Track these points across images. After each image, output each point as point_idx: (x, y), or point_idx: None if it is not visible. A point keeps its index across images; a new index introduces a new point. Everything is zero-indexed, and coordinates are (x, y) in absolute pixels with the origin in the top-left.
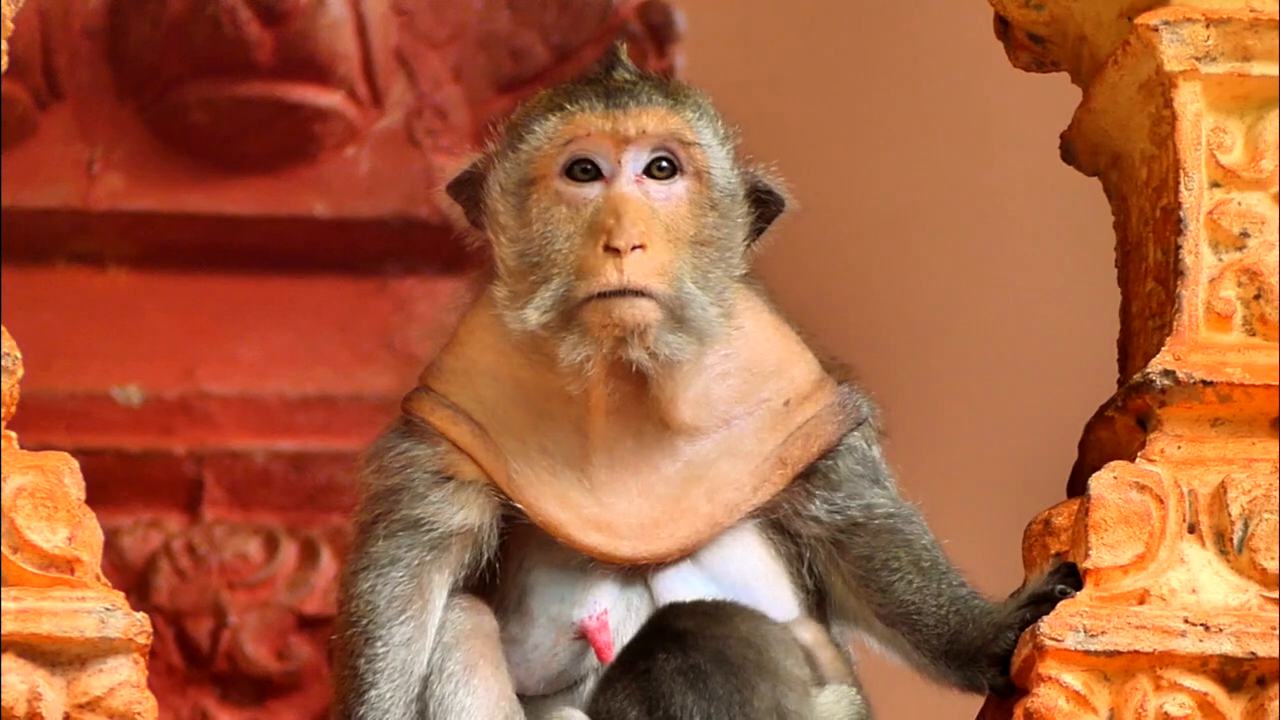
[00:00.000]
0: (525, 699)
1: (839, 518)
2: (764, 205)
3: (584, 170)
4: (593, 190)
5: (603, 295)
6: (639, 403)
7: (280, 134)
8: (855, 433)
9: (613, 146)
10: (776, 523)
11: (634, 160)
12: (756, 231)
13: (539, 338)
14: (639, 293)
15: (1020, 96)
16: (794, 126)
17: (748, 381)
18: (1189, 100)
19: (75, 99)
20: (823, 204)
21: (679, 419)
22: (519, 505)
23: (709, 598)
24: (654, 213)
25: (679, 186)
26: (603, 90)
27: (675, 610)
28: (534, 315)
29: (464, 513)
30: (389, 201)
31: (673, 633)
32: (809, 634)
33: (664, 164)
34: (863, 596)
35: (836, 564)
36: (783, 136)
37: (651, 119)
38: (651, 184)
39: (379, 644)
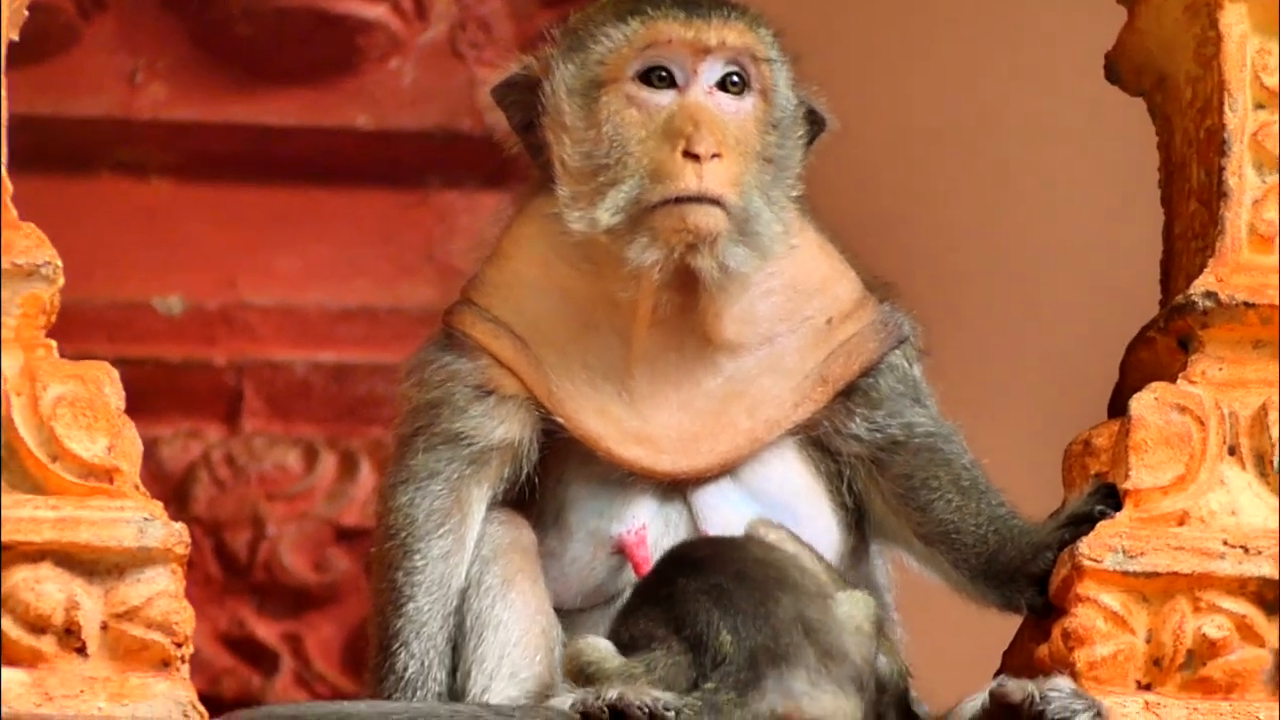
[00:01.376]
0: (563, 613)
1: (879, 436)
2: (810, 126)
3: (659, 77)
4: (666, 97)
5: (678, 200)
6: (685, 317)
7: (323, 45)
8: (896, 351)
9: (691, 55)
10: (817, 440)
11: (709, 71)
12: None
13: (594, 244)
14: (714, 201)
15: (1065, 16)
16: (836, 44)
17: (792, 299)
18: (1234, 21)
19: (118, 9)
20: (865, 123)
21: (723, 335)
22: (559, 419)
23: (721, 534)
24: (726, 125)
25: (748, 102)
26: (680, 0)
27: (687, 544)
28: (604, 216)
29: (504, 427)
30: (431, 114)
31: (690, 560)
32: (768, 530)
33: (735, 78)
34: (902, 515)
35: (876, 482)
36: (826, 55)
37: (731, 32)
38: (722, 97)
39: (417, 557)
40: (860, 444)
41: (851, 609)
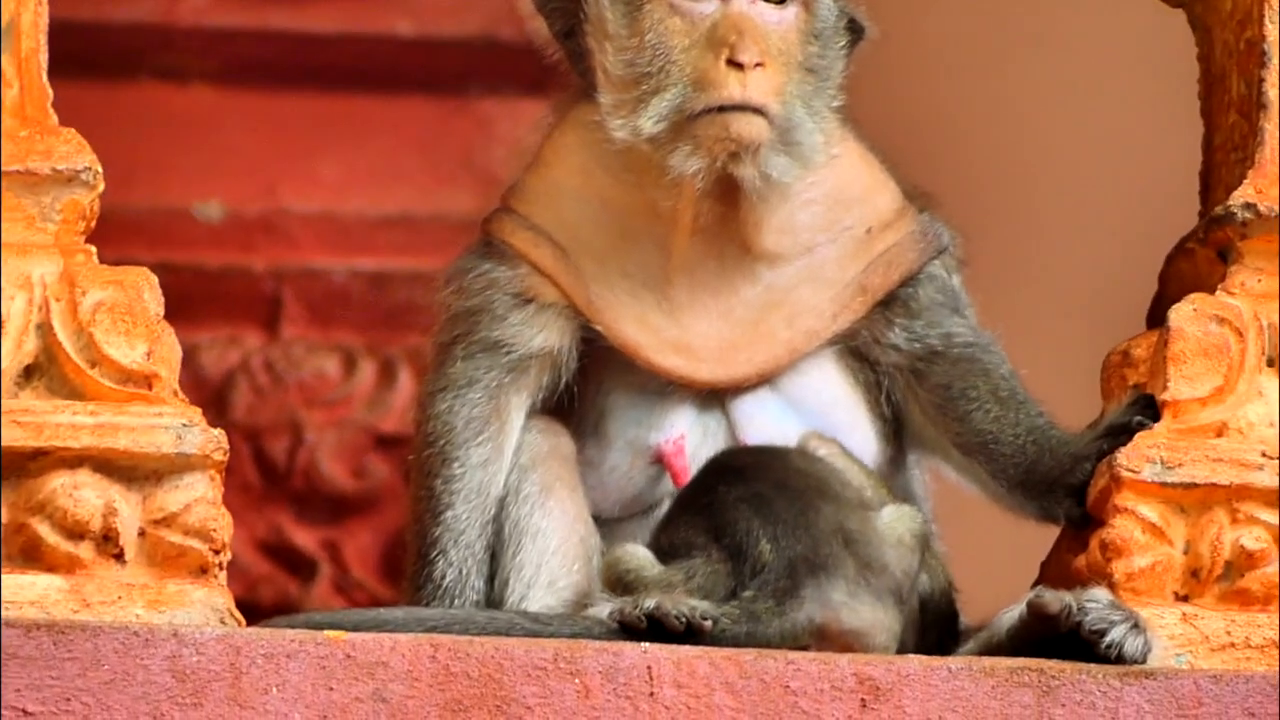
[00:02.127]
0: (600, 521)
1: (918, 346)
2: (850, 36)
3: None
4: (709, 6)
5: (721, 109)
6: (725, 226)
7: None
8: (935, 261)
9: None
10: (855, 350)
11: None
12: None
13: (635, 152)
14: (757, 110)
15: None
16: None
17: (831, 209)
18: None
19: None
20: (905, 33)
21: (763, 244)
22: (598, 327)
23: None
24: (769, 34)
25: (789, 12)
26: None
27: (729, 453)
28: (647, 124)
29: (543, 335)
30: (472, 21)
31: (731, 469)
32: (820, 444)
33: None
34: (940, 425)
35: (915, 392)
36: None
37: None
38: (764, 6)
39: (456, 465)
40: (899, 353)
41: (893, 521)
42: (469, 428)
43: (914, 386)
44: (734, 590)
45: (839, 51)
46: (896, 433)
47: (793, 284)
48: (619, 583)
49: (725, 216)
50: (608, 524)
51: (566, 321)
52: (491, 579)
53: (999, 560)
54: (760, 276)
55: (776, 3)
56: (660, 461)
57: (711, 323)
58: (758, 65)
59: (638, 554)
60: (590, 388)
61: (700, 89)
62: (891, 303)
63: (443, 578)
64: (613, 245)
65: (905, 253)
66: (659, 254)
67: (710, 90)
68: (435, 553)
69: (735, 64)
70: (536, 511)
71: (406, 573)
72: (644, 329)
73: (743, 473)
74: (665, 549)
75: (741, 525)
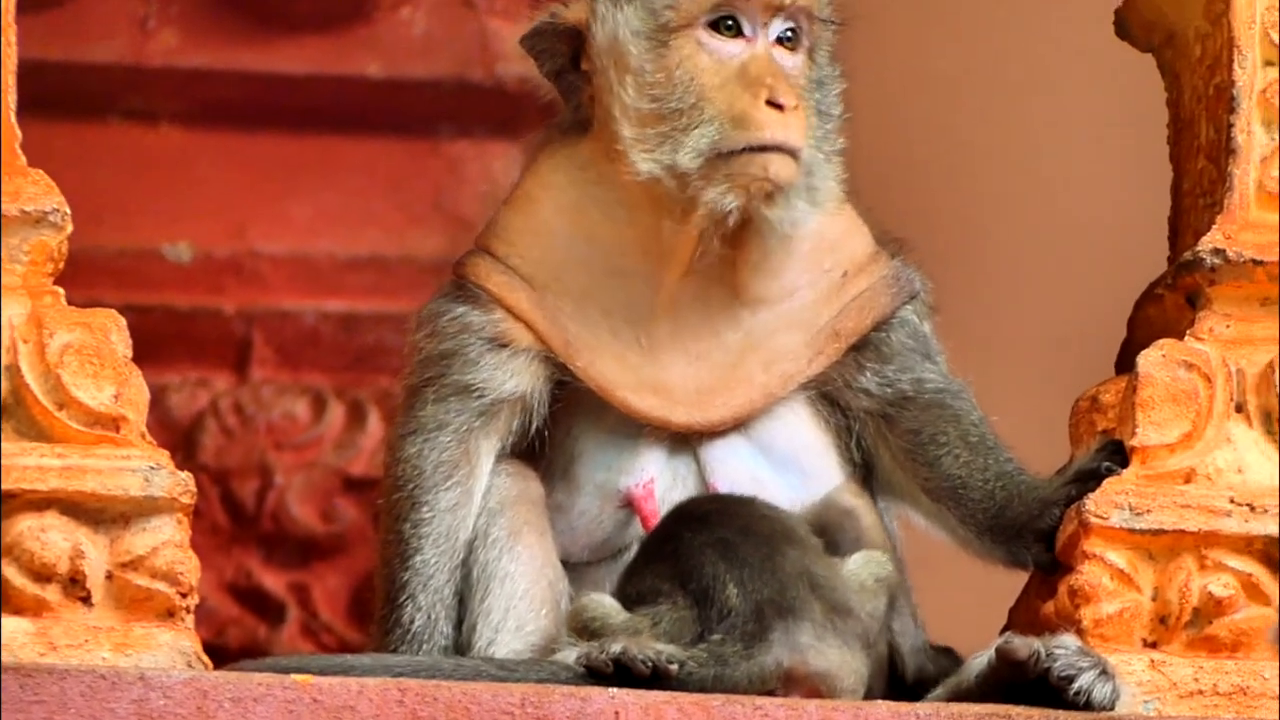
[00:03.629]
0: (570, 566)
1: (889, 391)
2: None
3: (727, 26)
4: (736, 47)
5: (762, 148)
6: (719, 268)
7: None
8: (908, 306)
9: (761, 10)
10: (827, 395)
11: (775, 26)
12: None
13: (639, 188)
14: (792, 152)
15: None
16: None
17: (814, 253)
18: None
19: None
20: (875, 76)
21: (752, 288)
22: (574, 367)
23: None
24: (792, 78)
25: (799, 58)
26: None
27: (693, 500)
28: (685, 158)
29: (516, 380)
30: (443, 63)
31: (695, 515)
32: (850, 498)
33: (790, 34)
34: (910, 470)
35: (885, 437)
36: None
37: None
38: (781, 51)
39: (424, 509)
40: (870, 398)
41: (860, 567)
42: (438, 471)
43: (884, 432)
44: (701, 635)
45: (837, 98)
46: (866, 478)
47: (772, 328)
48: (585, 630)
49: (722, 258)
50: (577, 568)
51: (540, 366)
52: (459, 623)
53: (967, 606)
54: (742, 320)
55: (789, 49)
56: (630, 505)
57: (690, 364)
58: (795, 107)
59: (603, 602)
60: (561, 432)
61: (740, 127)
62: (863, 347)
63: (411, 622)
64: (596, 283)
65: (878, 297)
66: (646, 292)
67: (751, 130)
68: (404, 597)
69: (775, 105)
70: (505, 556)
71: (375, 617)
72: (622, 368)
73: (707, 519)
74: (631, 597)
75: (708, 570)
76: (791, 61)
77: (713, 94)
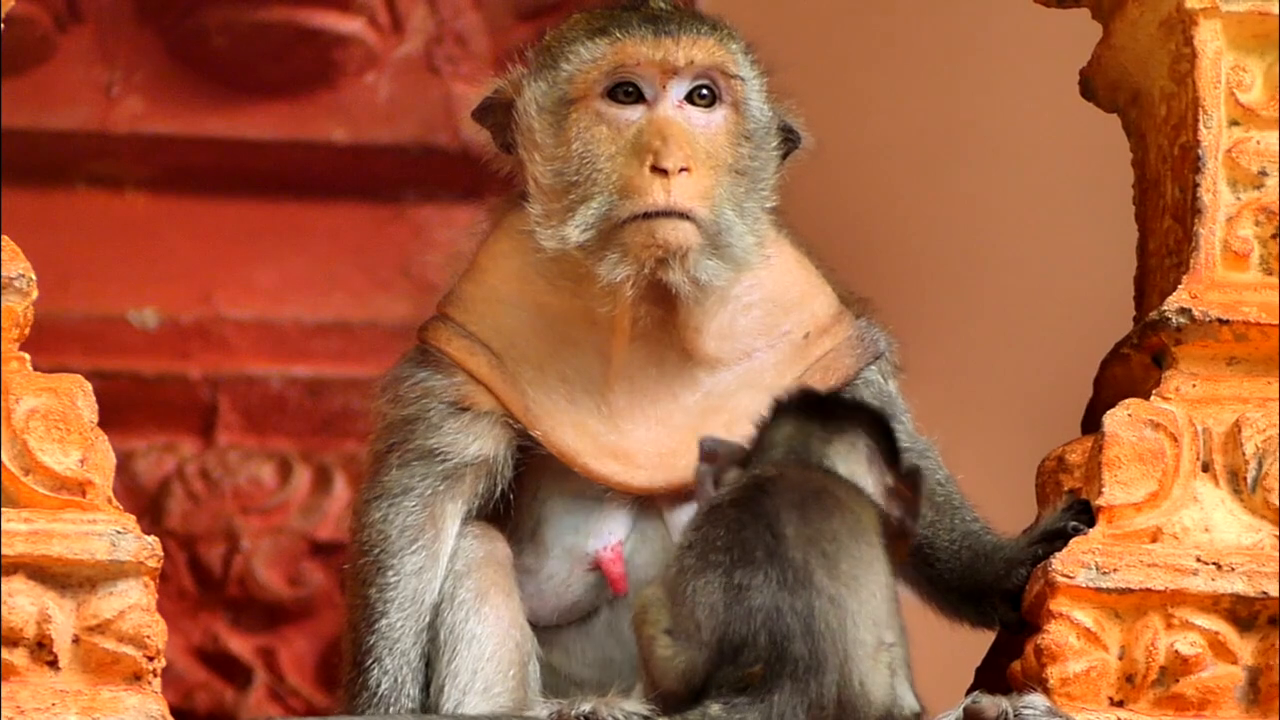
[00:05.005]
0: (540, 628)
1: None
2: (785, 141)
3: (626, 92)
4: (635, 113)
5: (647, 215)
6: (664, 331)
7: (300, 59)
8: (872, 366)
9: (659, 74)
10: None
11: (677, 87)
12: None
13: (569, 259)
14: (683, 215)
15: (1041, 32)
16: (813, 59)
17: (770, 314)
18: (1209, 38)
19: (95, 21)
20: (841, 137)
21: (702, 350)
22: (535, 434)
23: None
24: (695, 138)
25: (718, 115)
26: (646, 17)
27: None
28: (574, 233)
29: (479, 443)
30: (408, 128)
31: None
32: None
33: (704, 92)
34: None
35: None
36: (801, 68)
37: (699, 50)
38: (692, 110)
39: (390, 573)
40: None
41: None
42: (403, 536)
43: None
44: (707, 679)
45: (771, 153)
46: None
47: (731, 390)
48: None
49: (664, 321)
50: (547, 630)
51: (502, 429)
52: (427, 686)
53: (935, 666)
54: (700, 383)
55: (704, 106)
56: (598, 569)
57: (650, 429)
58: (683, 170)
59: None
60: (527, 495)
61: (626, 196)
62: None
63: (378, 685)
64: (551, 351)
65: (841, 359)
66: (598, 360)
67: (636, 197)
68: (370, 661)
69: (659, 170)
70: (472, 618)
71: (342, 681)
72: (582, 435)
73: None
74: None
75: (752, 643)
76: (706, 119)
77: (605, 164)
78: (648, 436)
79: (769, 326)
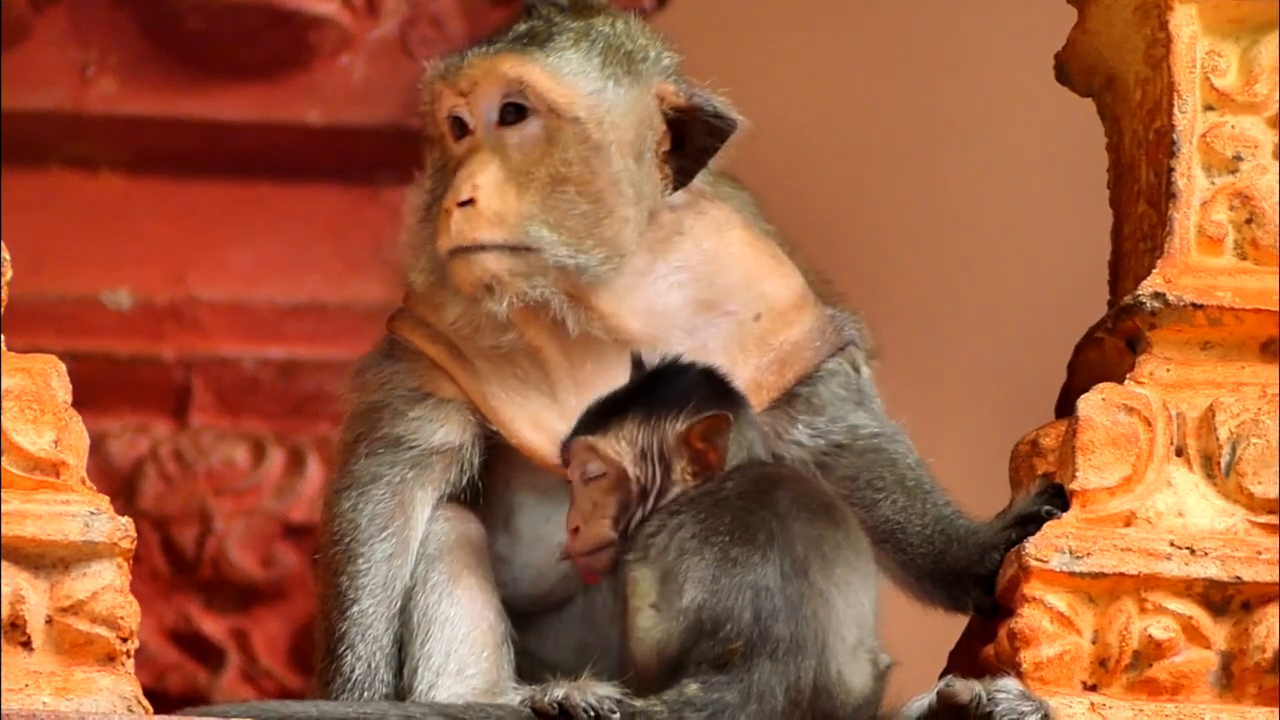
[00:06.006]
0: (516, 614)
1: (822, 441)
2: (710, 127)
3: (460, 127)
4: (463, 146)
5: (451, 254)
6: (589, 320)
7: (275, 41)
8: (838, 356)
9: (465, 104)
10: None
11: (487, 111)
12: (702, 152)
13: None
14: (474, 248)
15: (1016, 18)
16: (787, 48)
17: (708, 291)
18: (1184, 23)
19: (70, 3)
20: (813, 124)
21: (630, 330)
22: (495, 427)
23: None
24: (503, 160)
25: (532, 128)
26: (452, 52)
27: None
28: (419, 278)
29: (444, 430)
30: (382, 110)
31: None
32: None
33: (512, 109)
34: None
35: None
36: (775, 57)
37: (479, 70)
38: (506, 130)
39: (361, 560)
40: (803, 449)
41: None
42: (373, 524)
43: (821, 479)
44: (682, 655)
45: (628, 150)
46: None
47: None
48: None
49: (581, 310)
50: (522, 615)
51: (466, 417)
52: (400, 668)
53: (908, 650)
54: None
55: (514, 123)
56: (569, 559)
57: None
58: (468, 202)
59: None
60: (499, 484)
61: (440, 237)
62: (793, 399)
63: (351, 671)
64: (502, 354)
65: (801, 351)
66: (535, 366)
67: (443, 237)
68: (343, 647)
69: (446, 210)
70: (445, 600)
71: (315, 668)
72: (538, 429)
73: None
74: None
75: (736, 617)
76: (519, 136)
77: (436, 205)
78: None
79: (707, 304)
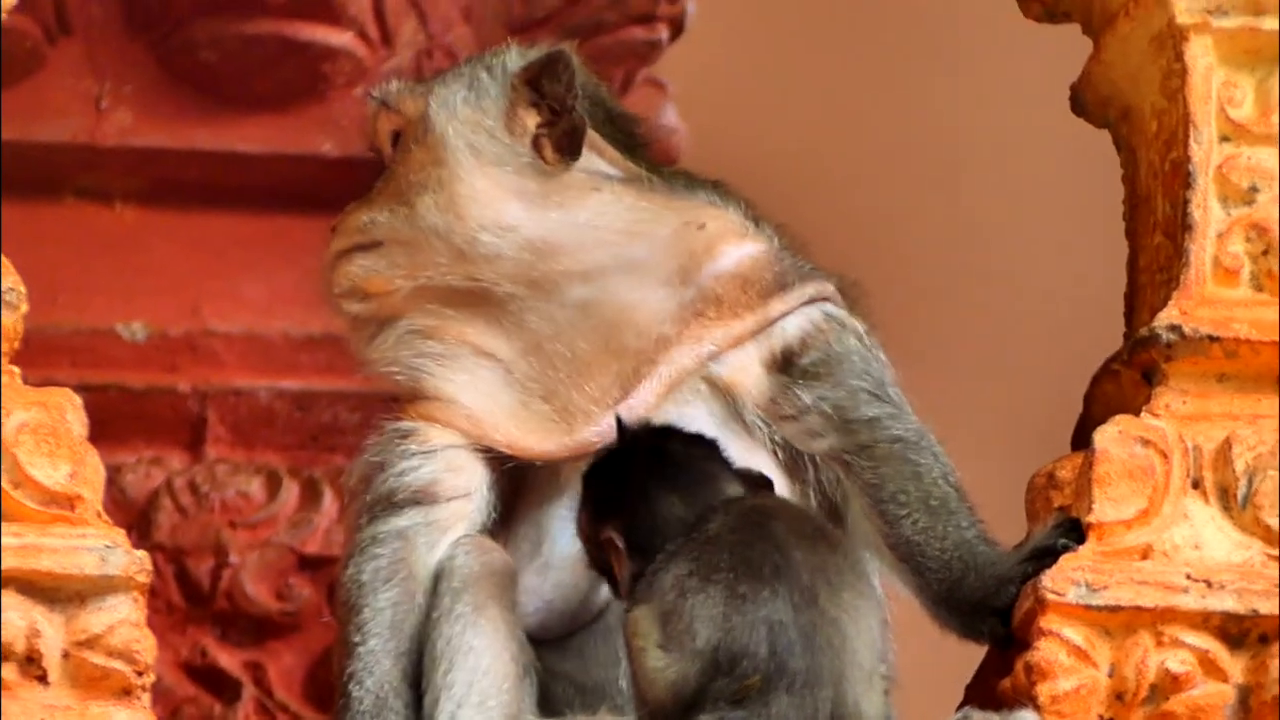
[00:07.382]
0: (550, 643)
1: (826, 405)
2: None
3: None
4: None
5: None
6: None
7: (289, 72)
8: (803, 312)
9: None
10: (787, 445)
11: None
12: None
13: None
14: (338, 256)
15: (1031, 48)
16: (804, 76)
17: (603, 244)
18: (1200, 54)
19: (85, 34)
20: (830, 153)
21: (554, 271)
22: (504, 449)
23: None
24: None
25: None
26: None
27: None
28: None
29: (431, 470)
30: None
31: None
32: None
33: (394, 134)
34: (874, 524)
35: (851, 489)
36: (793, 85)
37: (380, 116)
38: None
39: (366, 610)
40: (816, 418)
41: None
42: (376, 577)
43: (849, 484)
44: (698, 693)
45: (467, 148)
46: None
47: (610, 287)
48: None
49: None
50: (558, 642)
51: (471, 459)
52: (420, 699)
53: (925, 683)
54: (577, 297)
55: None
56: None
57: (582, 394)
58: (332, 230)
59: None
60: (518, 520)
61: None
62: (789, 366)
63: (360, 703)
64: (466, 365)
65: (761, 272)
66: (487, 360)
67: None
68: (353, 684)
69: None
70: (469, 630)
71: (334, 705)
72: (516, 421)
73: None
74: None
75: (752, 653)
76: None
77: None
78: (586, 401)
79: (615, 254)
